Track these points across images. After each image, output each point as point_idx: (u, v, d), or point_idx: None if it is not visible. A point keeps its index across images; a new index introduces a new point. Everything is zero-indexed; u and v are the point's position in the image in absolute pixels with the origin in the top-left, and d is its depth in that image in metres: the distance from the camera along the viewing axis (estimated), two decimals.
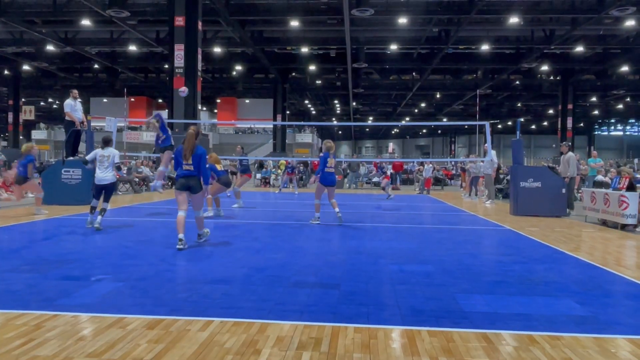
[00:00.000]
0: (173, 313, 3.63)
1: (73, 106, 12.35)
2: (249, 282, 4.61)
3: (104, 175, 8.17)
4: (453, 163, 31.95)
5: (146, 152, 33.75)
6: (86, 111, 16.33)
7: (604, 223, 9.78)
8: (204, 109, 48.93)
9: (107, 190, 8.28)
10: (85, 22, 23.68)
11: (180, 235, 6.21)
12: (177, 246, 6.17)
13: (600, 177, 14.01)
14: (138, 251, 6.10)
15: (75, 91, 12.66)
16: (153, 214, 10.65)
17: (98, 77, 38.73)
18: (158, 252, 6.03)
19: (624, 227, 8.98)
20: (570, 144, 13.15)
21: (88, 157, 8.64)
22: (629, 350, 3.07)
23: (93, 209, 8.17)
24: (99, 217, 8.00)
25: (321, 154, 9.39)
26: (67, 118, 12.43)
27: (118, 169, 8.53)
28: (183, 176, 6.41)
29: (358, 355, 2.93)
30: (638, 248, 7.18)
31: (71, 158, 12.47)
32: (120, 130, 41.58)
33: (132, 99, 45.43)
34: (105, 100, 46.71)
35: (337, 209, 9.16)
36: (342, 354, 2.95)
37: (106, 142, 8.37)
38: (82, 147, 14.47)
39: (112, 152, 8.30)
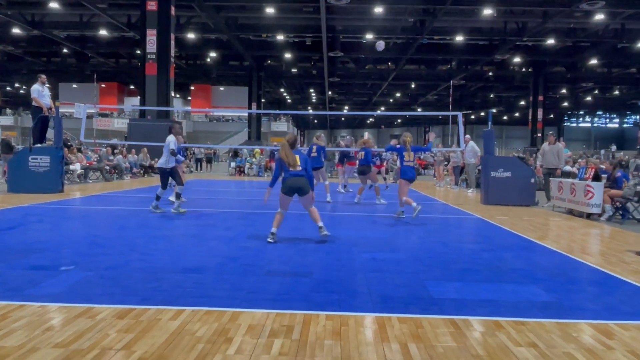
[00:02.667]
0: (143, 302, 3.60)
1: (40, 92, 12.02)
2: (222, 271, 4.60)
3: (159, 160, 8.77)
4: (427, 153, 32.27)
5: (117, 139, 33.12)
6: (54, 97, 15.87)
7: (570, 212, 10.06)
8: (177, 96, 48.17)
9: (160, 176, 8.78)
10: (53, 4, 22.95)
11: (274, 230, 6.11)
12: (268, 239, 6.03)
13: (567, 168, 14.37)
14: (108, 240, 6.01)
15: (44, 76, 12.32)
16: (123, 202, 10.48)
17: (67, 61, 37.65)
18: (128, 241, 5.95)
19: (589, 216, 9.26)
20: (551, 133, 13.11)
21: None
22: (590, 335, 3.19)
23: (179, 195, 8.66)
24: (176, 202, 8.56)
25: (398, 146, 8.82)
26: (34, 104, 12.10)
27: (172, 154, 8.59)
28: (292, 176, 6.17)
29: (329, 342, 2.96)
30: (602, 236, 7.43)
31: (39, 145, 12.14)
32: (90, 117, 40.71)
33: (103, 85, 44.40)
34: (74, 85, 45.53)
35: (402, 208, 8.62)
36: (314, 341, 2.98)
37: (169, 130, 8.90)
38: (50, 133, 14.09)
39: (168, 139, 8.64)
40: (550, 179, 11.52)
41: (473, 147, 14.72)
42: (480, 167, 13.93)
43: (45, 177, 11.56)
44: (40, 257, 4.96)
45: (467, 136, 15.05)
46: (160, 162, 8.71)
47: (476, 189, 15.11)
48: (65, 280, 4.14)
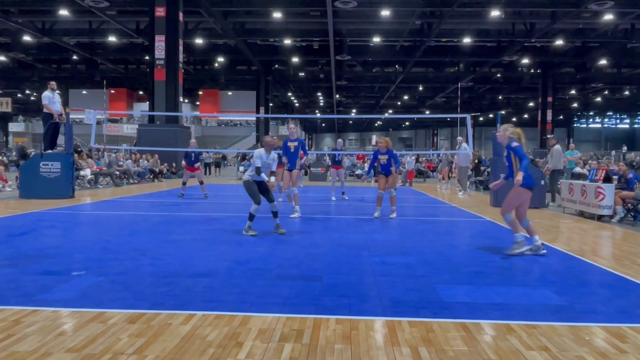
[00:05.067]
0: (154, 307, 3.62)
1: (51, 98, 12.16)
2: (231, 275, 4.61)
3: None
4: (435, 155, 32.26)
5: (127, 144, 33.35)
6: (65, 103, 16.03)
7: (581, 214, 9.97)
8: (186, 101, 48.48)
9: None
10: (63, 12, 23.22)
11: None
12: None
13: (578, 169, 14.28)
14: (119, 245, 6.05)
15: (53, 83, 12.46)
16: (134, 207, 10.55)
17: (77, 68, 38.05)
18: (139, 246, 5.99)
19: (600, 217, 9.17)
20: (553, 136, 13.44)
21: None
22: (603, 338, 3.16)
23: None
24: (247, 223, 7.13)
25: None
26: (45, 110, 12.25)
27: (257, 173, 7.14)
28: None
29: (339, 347, 2.96)
30: (613, 238, 7.35)
31: (50, 151, 12.26)
32: (99, 122, 41.06)
33: (112, 91, 44.78)
34: (84, 92, 45.96)
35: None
36: (324, 345, 2.98)
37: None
38: (60, 139, 14.23)
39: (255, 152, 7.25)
40: (562, 180, 11.50)
41: (465, 150, 14.66)
42: (490, 169, 13.89)
43: (56, 183, 11.66)
44: (52, 263, 5.00)
45: (460, 138, 15.10)
46: (245, 176, 7.32)
47: (468, 190, 15.27)
48: (77, 286, 4.18)
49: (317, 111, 61.22)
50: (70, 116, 12.54)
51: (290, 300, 3.85)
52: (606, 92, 45.51)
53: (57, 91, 12.66)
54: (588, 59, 31.64)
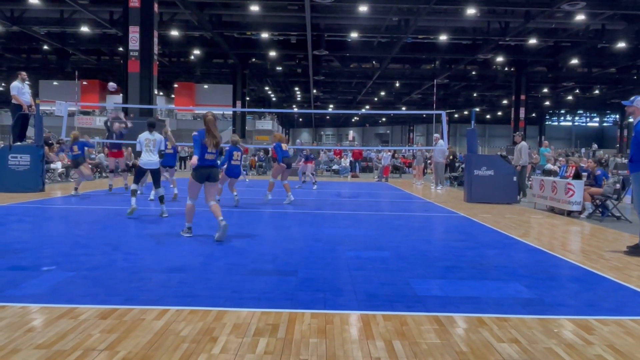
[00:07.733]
0: (127, 302, 3.56)
1: (20, 89, 11.84)
2: (206, 270, 4.58)
3: (152, 158, 8.07)
4: (411, 151, 32.51)
5: (99, 137, 32.65)
6: (35, 94, 15.61)
7: (551, 210, 10.21)
8: (161, 93, 47.69)
9: (156, 174, 8.27)
10: (33, 0, 22.52)
11: (189, 224, 6.38)
12: (185, 234, 6.34)
13: (549, 166, 14.62)
14: (90, 240, 5.94)
15: (24, 73, 12.13)
16: (106, 201, 10.36)
17: (47, 58, 36.95)
18: (112, 241, 5.89)
19: (569, 213, 9.41)
20: (522, 133, 13.76)
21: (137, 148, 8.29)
22: (571, 330, 3.25)
23: (135, 192, 8.14)
24: (162, 206, 8.09)
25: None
26: (13, 101, 11.91)
27: (160, 156, 8.28)
28: (206, 166, 6.31)
29: (314, 341, 2.97)
30: (582, 233, 7.56)
31: (19, 143, 11.94)
32: (71, 115, 40.09)
33: (84, 83, 43.68)
34: (55, 83, 44.73)
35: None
36: (299, 339, 2.99)
37: (152, 126, 8.21)
38: (30, 131, 13.86)
39: (158, 136, 8.24)
40: (533, 177, 11.76)
41: (442, 147, 15.05)
42: (464, 165, 14.11)
43: (26, 176, 11.37)
44: (20, 258, 4.88)
45: (437, 135, 15.40)
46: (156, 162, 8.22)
47: (444, 185, 15.60)
48: (46, 281, 4.08)
49: (294, 106, 61.02)
50: (41, 108, 12.23)
51: (265, 294, 3.84)
52: (577, 91, 46.57)
53: (27, 82, 12.32)
54: (560, 58, 32.29)
